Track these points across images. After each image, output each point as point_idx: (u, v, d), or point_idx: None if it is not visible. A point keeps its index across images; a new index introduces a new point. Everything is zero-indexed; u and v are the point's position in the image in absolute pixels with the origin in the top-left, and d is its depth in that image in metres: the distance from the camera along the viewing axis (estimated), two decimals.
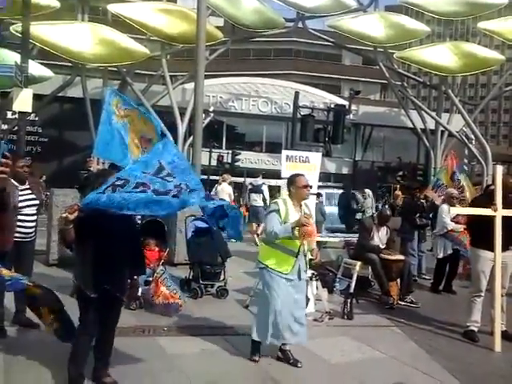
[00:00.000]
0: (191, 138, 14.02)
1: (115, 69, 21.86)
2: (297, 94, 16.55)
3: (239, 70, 35.46)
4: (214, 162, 24.17)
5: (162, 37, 20.77)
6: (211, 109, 22.18)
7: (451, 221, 7.40)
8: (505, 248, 5.15)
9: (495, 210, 5.05)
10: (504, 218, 5.03)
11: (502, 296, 5.20)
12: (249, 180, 27.61)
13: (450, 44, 22.73)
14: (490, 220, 5.04)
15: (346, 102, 20.44)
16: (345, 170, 29.31)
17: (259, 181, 14.89)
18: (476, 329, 5.25)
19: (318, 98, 27.84)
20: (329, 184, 27.91)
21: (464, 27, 55.62)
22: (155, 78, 23.82)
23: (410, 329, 5.50)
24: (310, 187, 4.30)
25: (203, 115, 12.94)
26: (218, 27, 22.41)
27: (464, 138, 23.54)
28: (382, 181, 27.74)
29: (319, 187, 9.97)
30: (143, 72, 27.48)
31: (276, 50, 42.03)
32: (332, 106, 17.74)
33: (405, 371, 4.22)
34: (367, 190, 14.87)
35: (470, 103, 31.21)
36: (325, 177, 26.46)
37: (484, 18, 22.43)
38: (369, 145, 30.58)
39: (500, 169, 5.28)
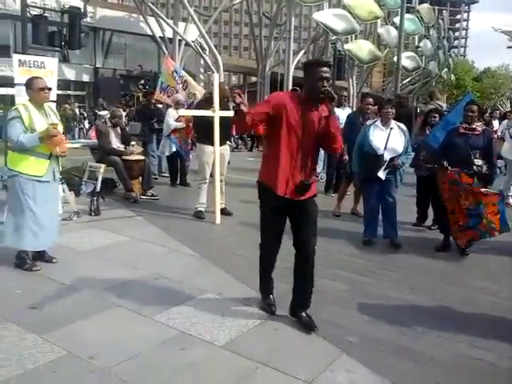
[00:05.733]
0: None
1: None
2: None
3: None
4: None
5: None
6: None
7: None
8: (222, 143, 6.38)
9: (214, 112, 6.13)
10: (221, 118, 6.16)
11: (221, 181, 6.50)
12: None
13: None
14: (211, 120, 6.12)
15: (81, 3, 19.28)
16: (85, 78, 28.04)
17: None
18: (203, 209, 6.49)
19: None
20: (69, 92, 26.50)
21: None
22: None
23: (151, 216, 6.41)
24: (49, 89, 4.31)
25: None
26: None
27: (199, 48, 25.00)
28: (125, 89, 27.69)
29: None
30: None
31: None
32: (66, 6, 16.54)
33: (145, 246, 5.11)
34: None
35: (205, 14, 32.74)
36: (64, 84, 24.97)
37: None
38: (109, 51, 29.63)
39: (217, 76, 6.32)
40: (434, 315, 3.62)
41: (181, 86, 8.78)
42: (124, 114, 13.97)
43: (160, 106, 9.40)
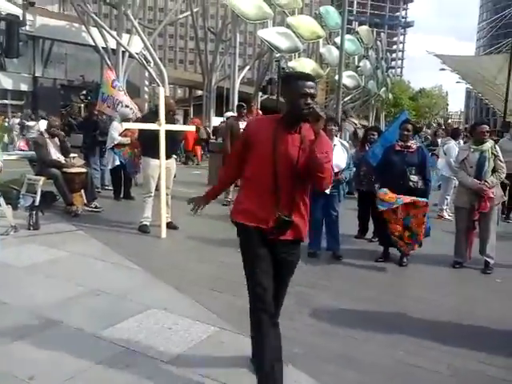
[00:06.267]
0: None
1: None
2: None
3: None
4: None
5: None
6: None
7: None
8: (168, 156, 6.34)
9: (160, 125, 6.10)
10: (166, 132, 6.14)
11: (167, 195, 6.45)
12: None
13: None
14: (156, 133, 6.09)
15: (19, 11, 18.62)
16: (24, 87, 26.98)
17: None
18: (148, 223, 6.40)
19: None
20: (6, 102, 25.42)
21: None
22: None
23: (93, 230, 6.24)
24: None
25: None
26: None
27: (143, 60, 24.74)
28: (66, 99, 26.85)
29: None
30: None
31: None
32: (3, 14, 15.91)
33: (87, 261, 4.96)
34: None
35: (149, 26, 32.51)
36: (1, 93, 23.91)
37: None
38: (50, 60, 28.71)
39: (162, 90, 6.31)
40: (375, 324, 3.76)
41: (123, 93, 8.74)
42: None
43: (103, 117, 9.21)
